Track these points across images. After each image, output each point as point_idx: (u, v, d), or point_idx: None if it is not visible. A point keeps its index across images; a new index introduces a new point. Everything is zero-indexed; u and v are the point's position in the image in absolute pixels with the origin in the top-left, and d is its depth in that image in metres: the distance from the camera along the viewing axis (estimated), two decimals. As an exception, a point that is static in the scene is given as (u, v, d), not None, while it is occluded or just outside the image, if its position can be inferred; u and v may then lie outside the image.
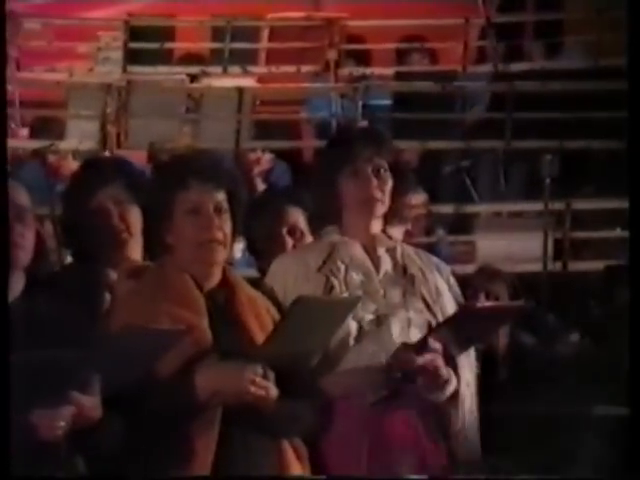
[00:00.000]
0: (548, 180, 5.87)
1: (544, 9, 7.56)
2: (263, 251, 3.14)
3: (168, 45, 7.92)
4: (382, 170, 2.85)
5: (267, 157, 6.86)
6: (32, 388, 2.25)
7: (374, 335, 2.76)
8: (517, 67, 7.34)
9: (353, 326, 2.74)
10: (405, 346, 2.73)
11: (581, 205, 6.21)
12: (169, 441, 2.50)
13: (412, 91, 7.22)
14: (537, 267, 5.83)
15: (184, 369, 2.51)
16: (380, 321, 2.77)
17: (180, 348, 2.47)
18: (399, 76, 7.60)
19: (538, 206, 6.14)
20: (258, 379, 2.50)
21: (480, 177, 7.06)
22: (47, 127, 7.13)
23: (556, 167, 5.90)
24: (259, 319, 2.63)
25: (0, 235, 2.30)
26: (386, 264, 2.85)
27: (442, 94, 7.13)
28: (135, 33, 7.82)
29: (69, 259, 3.02)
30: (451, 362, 2.78)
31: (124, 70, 7.66)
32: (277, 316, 2.66)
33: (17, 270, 2.46)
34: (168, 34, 8.00)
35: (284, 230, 3.14)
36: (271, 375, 2.52)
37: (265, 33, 8.12)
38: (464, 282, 3.23)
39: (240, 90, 7.25)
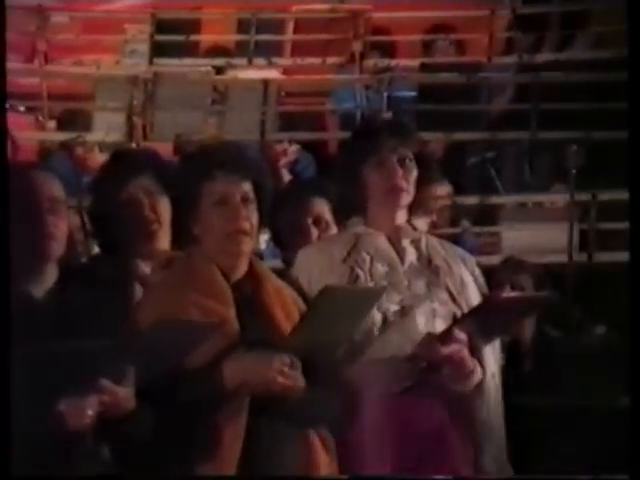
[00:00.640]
0: (574, 171, 5.85)
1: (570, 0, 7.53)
2: (288, 242, 3.15)
3: (194, 37, 7.94)
4: (407, 160, 2.86)
5: (293, 148, 6.87)
6: (63, 378, 2.27)
7: (399, 326, 2.77)
8: (543, 58, 7.32)
9: (378, 317, 2.75)
10: (430, 336, 2.74)
11: (607, 196, 6.19)
12: (197, 431, 2.52)
13: (437, 82, 7.20)
14: (562, 258, 5.82)
15: (212, 360, 2.53)
16: (405, 312, 2.78)
17: (209, 339, 2.49)
18: (424, 67, 7.59)
19: (563, 197, 6.12)
20: (285, 369, 2.52)
21: (505, 168, 7.04)
22: (74, 119, 7.17)
23: (582, 158, 5.88)
24: (285, 309, 2.64)
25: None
26: (411, 255, 2.86)
27: (467, 85, 7.11)
28: (161, 26, 7.85)
29: (95, 250, 3.04)
30: (476, 353, 2.79)
31: (150, 62, 7.69)
32: (303, 306, 2.67)
33: (50, 261, 2.49)
34: (194, 26, 8.02)
35: (309, 221, 3.16)
36: (298, 365, 2.54)
37: (290, 25, 8.13)
38: (489, 273, 3.23)
39: (265, 82, 7.26)
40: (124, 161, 2.98)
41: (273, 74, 7.76)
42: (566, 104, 6.62)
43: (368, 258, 2.81)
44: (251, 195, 2.65)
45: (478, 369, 2.78)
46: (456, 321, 2.79)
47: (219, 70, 7.70)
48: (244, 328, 2.59)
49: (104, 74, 7.45)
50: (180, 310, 2.55)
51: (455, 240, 4.73)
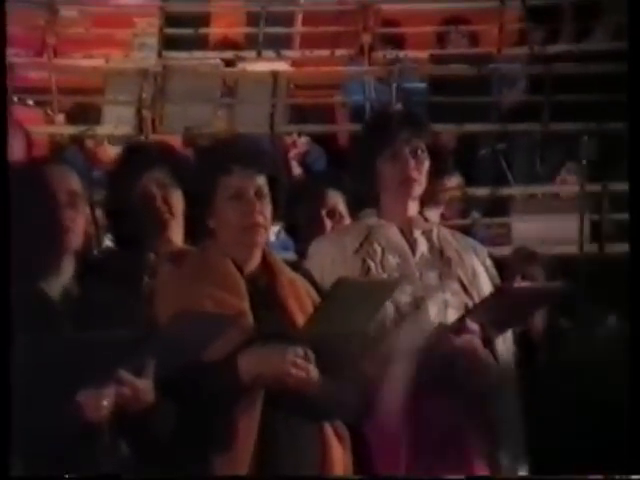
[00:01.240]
0: (585, 162, 5.84)
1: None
2: (302, 234, 3.16)
3: (203, 30, 7.95)
4: (420, 151, 2.86)
5: (303, 141, 6.88)
6: (80, 370, 2.28)
7: (411, 317, 2.77)
8: (554, 49, 7.30)
9: (390, 308, 2.75)
10: (442, 327, 2.74)
11: (618, 187, 6.18)
12: (211, 425, 2.52)
13: (447, 74, 7.19)
14: (573, 249, 5.81)
15: (226, 353, 2.53)
16: (417, 303, 2.78)
17: (224, 332, 2.49)
18: (434, 59, 7.58)
19: (574, 188, 6.11)
20: (299, 361, 2.52)
21: (516, 160, 7.03)
22: (84, 113, 7.18)
23: (593, 149, 5.87)
24: (299, 301, 2.65)
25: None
26: (422, 246, 2.86)
27: (477, 77, 7.10)
28: (170, 19, 7.86)
29: (107, 243, 3.05)
30: (488, 345, 2.79)
31: (160, 56, 7.69)
32: (317, 298, 2.67)
33: (68, 254, 2.50)
34: (203, 19, 8.03)
35: (324, 213, 3.17)
36: (312, 357, 2.54)
37: (299, 17, 8.12)
38: (500, 264, 3.23)
39: (275, 74, 7.26)
40: (137, 154, 2.99)
41: (282, 66, 7.76)
42: (577, 95, 6.61)
43: (380, 249, 2.81)
44: (265, 189, 2.65)
45: (492, 362, 2.77)
46: (468, 312, 2.78)
47: (228, 63, 7.71)
48: (258, 320, 2.59)
49: (114, 68, 7.46)
50: (195, 303, 2.55)
51: (466, 231, 4.72)
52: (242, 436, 2.53)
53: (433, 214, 2.95)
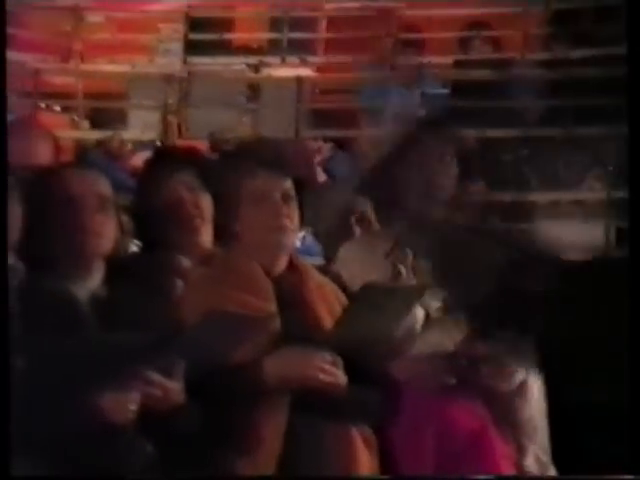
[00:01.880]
0: (610, 167, 5.82)
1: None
2: (331, 239, 3.16)
3: (227, 36, 7.98)
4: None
5: (327, 146, 6.89)
6: (108, 372, 2.29)
7: (440, 323, 2.77)
8: (577, 54, 7.28)
9: (420, 313, 2.76)
10: (472, 334, 2.74)
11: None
12: (237, 427, 2.52)
13: (470, 79, 7.19)
14: (598, 255, 5.78)
15: (253, 356, 2.53)
16: (447, 309, 2.79)
17: (251, 335, 2.50)
18: (457, 64, 7.58)
19: (599, 194, 6.09)
20: (326, 365, 2.52)
21: (539, 165, 7.02)
22: (109, 118, 7.22)
23: (618, 154, 5.84)
24: (327, 305, 2.65)
25: None
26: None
27: (500, 82, 7.10)
28: (195, 24, 7.89)
29: (132, 248, 3.06)
30: (515, 350, 2.78)
31: (184, 61, 7.73)
32: (344, 302, 2.67)
33: (97, 258, 2.51)
34: (227, 25, 8.06)
35: (352, 218, 3.17)
36: (339, 361, 2.54)
37: (322, 23, 8.14)
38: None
39: (298, 80, 7.28)
40: (166, 158, 3.00)
41: (306, 72, 7.78)
42: (602, 100, 6.59)
43: (410, 254, 2.82)
44: (292, 192, 2.66)
45: (520, 367, 2.77)
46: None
47: (252, 68, 7.73)
48: (286, 324, 2.59)
49: (138, 73, 7.50)
50: (222, 306, 2.55)
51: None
52: (268, 439, 2.53)
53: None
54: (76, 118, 7.13)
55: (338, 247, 2.92)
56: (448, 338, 2.75)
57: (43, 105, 6.95)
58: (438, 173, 2.83)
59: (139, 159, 6.35)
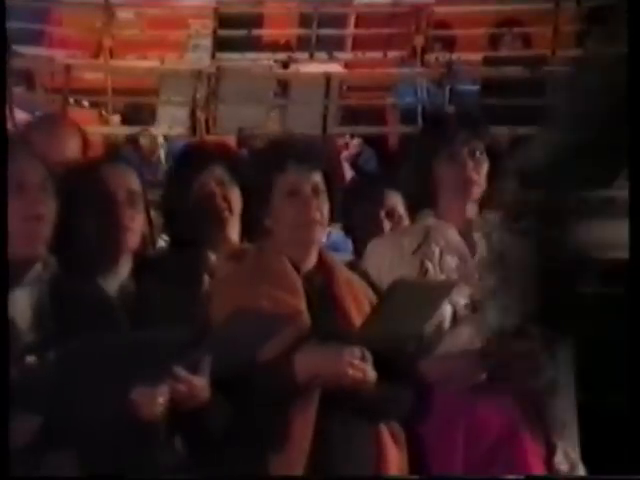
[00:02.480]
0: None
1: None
2: (361, 234, 3.15)
3: (256, 32, 7.99)
4: (478, 153, 2.85)
5: (355, 142, 6.89)
6: (137, 368, 2.29)
7: (469, 320, 2.75)
8: (609, 51, 7.22)
9: (448, 310, 2.74)
10: (501, 331, 2.72)
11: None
12: (267, 424, 2.51)
13: (500, 76, 7.16)
14: (626, 255, 5.73)
15: (283, 352, 2.52)
16: (475, 306, 2.77)
17: (281, 331, 2.49)
18: (487, 61, 7.54)
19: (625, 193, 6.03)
20: (356, 362, 2.51)
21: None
22: (138, 114, 7.25)
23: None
24: (356, 301, 2.64)
25: None
26: (482, 249, 2.84)
27: (531, 79, 7.06)
28: (224, 20, 7.91)
29: (161, 243, 3.06)
30: (547, 350, 2.76)
31: (213, 57, 7.75)
32: (373, 298, 2.66)
33: (126, 253, 2.52)
34: (256, 21, 8.07)
35: (382, 213, 3.16)
36: (369, 358, 2.53)
37: (352, 19, 8.14)
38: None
39: (327, 76, 7.28)
40: (196, 153, 3.00)
41: (335, 68, 7.77)
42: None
43: (438, 251, 2.80)
44: (322, 186, 2.65)
45: (550, 365, 2.75)
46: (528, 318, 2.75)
47: (281, 64, 7.74)
48: (315, 320, 2.58)
49: (168, 69, 7.53)
50: (252, 302, 2.55)
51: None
52: (297, 436, 2.52)
53: (493, 216, 2.93)
54: (105, 113, 7.16)
55: (367, 243, 2.91)
56: (477, 335, 2.73)
57: (73, 101, 6.98)
58: (469, 169, 2.81)
59: (169, 154, 6.38)
